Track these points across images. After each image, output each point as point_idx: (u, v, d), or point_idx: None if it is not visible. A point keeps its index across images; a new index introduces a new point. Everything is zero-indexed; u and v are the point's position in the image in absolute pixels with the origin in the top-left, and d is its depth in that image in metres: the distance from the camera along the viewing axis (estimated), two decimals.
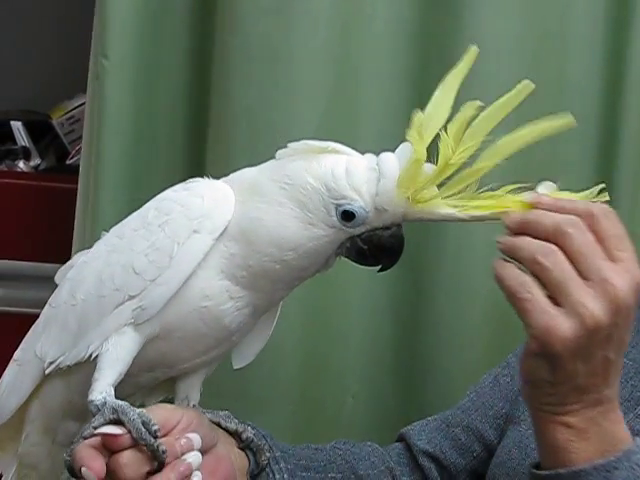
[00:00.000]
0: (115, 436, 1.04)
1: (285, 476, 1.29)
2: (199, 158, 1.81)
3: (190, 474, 1.08)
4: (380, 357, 1.85)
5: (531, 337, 1.01)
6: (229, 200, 1.11)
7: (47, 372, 1.16)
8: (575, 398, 1.03)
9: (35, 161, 2.57)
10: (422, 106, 1.77)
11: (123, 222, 1.19)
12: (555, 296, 0.99)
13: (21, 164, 2.58)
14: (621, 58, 1.86)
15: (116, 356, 1.11)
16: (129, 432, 1.04)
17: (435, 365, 1.85)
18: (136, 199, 1.75)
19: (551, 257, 0.99)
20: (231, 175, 1.17)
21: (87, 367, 1.13)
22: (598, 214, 1.01)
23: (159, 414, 1.09)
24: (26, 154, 2.59)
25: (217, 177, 1.17)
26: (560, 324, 0.98)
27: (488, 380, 1.46)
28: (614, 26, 1.85)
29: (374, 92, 1.78)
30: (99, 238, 1.22)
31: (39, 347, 1.17)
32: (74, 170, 2.47)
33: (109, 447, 1.05)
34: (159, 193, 1.17)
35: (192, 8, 1.78)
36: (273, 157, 1.16)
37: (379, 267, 1.14)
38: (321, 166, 1.09)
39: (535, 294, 1.00)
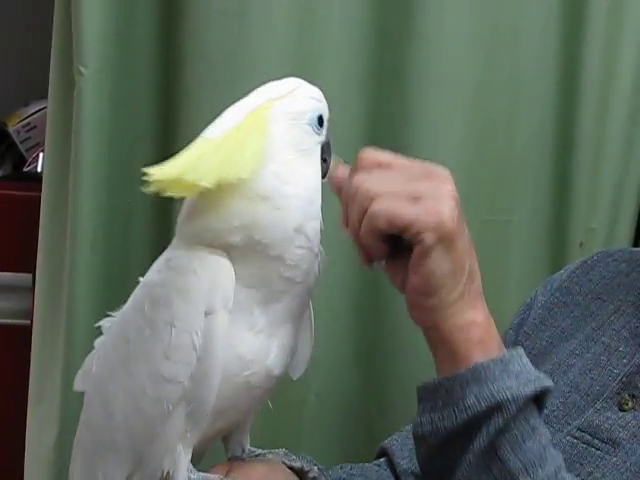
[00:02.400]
0: None
1: None
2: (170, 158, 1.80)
3: None
4: (342, 355, 1.85)
5: (421, 233, 0.97)
6: (221, 260, 1.01)
7: None
8: (471, 285, 1.01)
9: None
10: (377, 106, 1.81)
11: (117, 320, 1.08)
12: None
13: None
14: (575, 54, 1.88)
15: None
16: None
17: (397, 361, 1.84)
18: (114, 205, 1.77)
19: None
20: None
21: None
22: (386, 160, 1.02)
23: None
24: None
25: None
26: (439, 205, 0.97)
27: None
28: (568, 22, 1.87)
29: (331, 93, 1.78)
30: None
31: (101, 475, 1.06)
32: (31, 177, 2.46)
33: None
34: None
35: (157, 12, 1.77)
36: None
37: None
38: (270, 109, 1.06)
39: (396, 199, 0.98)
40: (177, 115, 1.77)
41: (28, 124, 2.54)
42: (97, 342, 1.13)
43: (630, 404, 1.15)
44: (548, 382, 1.02)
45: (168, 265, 1.05)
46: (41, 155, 2.44)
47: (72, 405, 1.75)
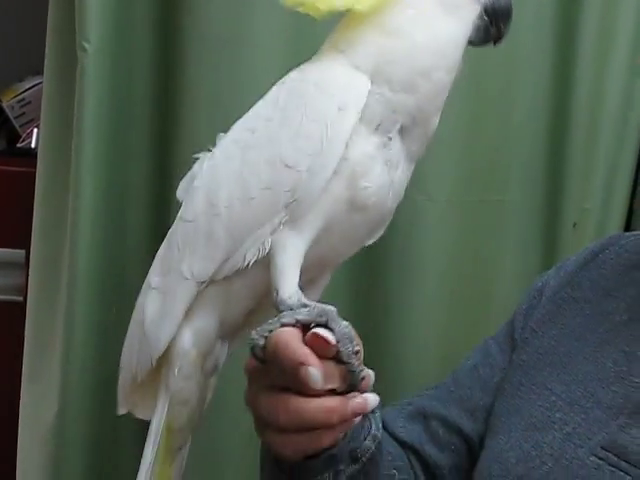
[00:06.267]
0: (326, 342, 0.95)
1: None
2: (169, 138, 1.79)
3: (363, 413, 1.00)
4: None
5: None
6: (359, 73, 1.02)
7: (202, 288, 1.05)
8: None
9: None
10: None
11: (247, 115, 1.07)
12: None
13: None
14: (571, 35, 1.88)
15: (291, 255, 1.00)
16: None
17: (389, 347, 1.85)
18: (114, 183, 1.76)
19: None
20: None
21: (242, 279, 1.04)
22: None
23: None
24: None
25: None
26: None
27: (467, 368, 1.36)
28: (564, 2, 1.87)
29: None
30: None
31: (186, 268, 1.04)
32: (25, 153, 2.46)
33: (314, 349, 0.95)
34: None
35: None
36: None
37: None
38: None
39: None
40: (176, 94, 1.76)
41: (23, 99, 2.54)
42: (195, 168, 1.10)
43: None
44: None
45: (304, 67, 1.06)
46: (35, 131, 2.44)
47: (72, 382, 1.76)
